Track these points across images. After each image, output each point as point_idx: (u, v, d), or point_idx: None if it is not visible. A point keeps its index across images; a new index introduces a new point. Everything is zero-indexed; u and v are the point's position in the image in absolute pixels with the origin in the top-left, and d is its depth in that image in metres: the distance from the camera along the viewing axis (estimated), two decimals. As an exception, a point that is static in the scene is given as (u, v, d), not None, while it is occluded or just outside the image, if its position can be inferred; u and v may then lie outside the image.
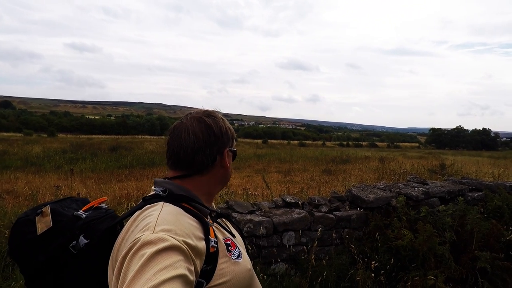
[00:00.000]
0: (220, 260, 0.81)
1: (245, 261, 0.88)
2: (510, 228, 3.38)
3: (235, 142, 0.99)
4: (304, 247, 3.08)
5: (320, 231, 3.06)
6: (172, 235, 0.71)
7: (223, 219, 0.98)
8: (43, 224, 0.85)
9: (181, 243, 0.71)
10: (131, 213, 0.84)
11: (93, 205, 0.97)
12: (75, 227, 0.85)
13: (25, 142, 25.17)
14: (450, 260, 2.85)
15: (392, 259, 2.84)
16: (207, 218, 0.89)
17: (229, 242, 0.88)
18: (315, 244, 2.95)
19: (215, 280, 0.78)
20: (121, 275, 0.66)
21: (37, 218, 0.87)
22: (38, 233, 0.84)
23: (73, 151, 18.01)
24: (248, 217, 3.04)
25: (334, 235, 3.19)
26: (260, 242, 2.95)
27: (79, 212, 0.90)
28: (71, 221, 0.86)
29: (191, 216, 0.83)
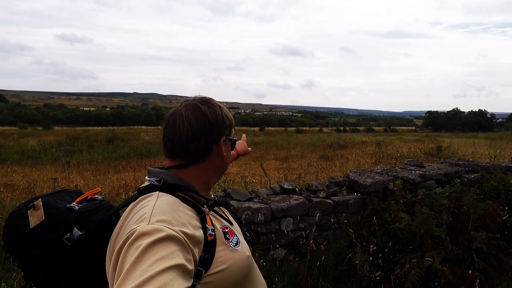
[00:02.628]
0: (218, 248, 0.81)
1: (244, 249, 0.89)
2: (506, 208, 3.42)
3: (233, 131, 0.97)
4: (303, 232, 3.10)
5: (318, 216, 3.07)
6: (168, 226, 0.71)
7: (221, 207, 0.97)
8: (35, 217, 0.85)
9: (177, 233, 0.70)
10: (126, 204, 0.83)
11: (87, 197, 0.96)
12: (69, 219, 0.85)
13: (20, 135, 24.98)
14: (447, 241, 2.88)
15: (390, 242, 2.87)
16: (203, 207, 0.88)
17: (226, 230, 0.88)
18: (313, 229, 2.97)
19: (214, 268, 0.78)
20: (117, 267, 0.65)
21: (29, 211, 0.87)
22: (31, 227, 0.84)
23: (69, 144, 17.94)
24: (246, 204, 3.05)
25: (332, 220, 3.21)
26: (259, 229, 2.96)
27: (71, 204, 0.90)
28: (64, 214, 0.86)
29: (186, 205, 0.82)
